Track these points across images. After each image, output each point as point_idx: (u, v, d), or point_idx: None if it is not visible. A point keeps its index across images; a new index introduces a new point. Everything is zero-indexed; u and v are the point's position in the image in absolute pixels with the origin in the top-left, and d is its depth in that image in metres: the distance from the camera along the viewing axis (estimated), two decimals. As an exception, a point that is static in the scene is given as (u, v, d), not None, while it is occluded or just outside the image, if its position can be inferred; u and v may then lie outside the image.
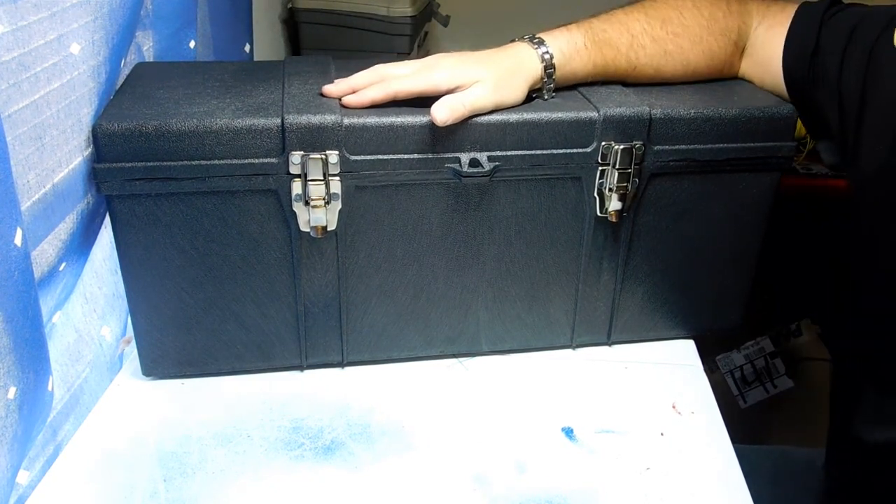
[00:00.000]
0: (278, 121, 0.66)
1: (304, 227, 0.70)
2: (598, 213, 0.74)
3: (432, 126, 0.67)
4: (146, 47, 0.82)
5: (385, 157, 0.68)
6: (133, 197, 0.66)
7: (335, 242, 0.71)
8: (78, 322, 0.73)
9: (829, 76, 0.72)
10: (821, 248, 1.33)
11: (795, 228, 1.42)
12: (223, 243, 0.70)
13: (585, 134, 0.71)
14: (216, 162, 0.66)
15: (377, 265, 0.73)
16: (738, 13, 0.77)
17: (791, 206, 1.10)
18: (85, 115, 0.65)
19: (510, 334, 0.80)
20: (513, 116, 0.69)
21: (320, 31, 1.41)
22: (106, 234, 0.75)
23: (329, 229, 0.70)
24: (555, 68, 0.71)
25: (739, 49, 0.78)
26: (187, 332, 0.73)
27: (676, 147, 0.73)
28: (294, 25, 1.43)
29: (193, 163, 0.65)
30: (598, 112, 0.70)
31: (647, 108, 0.71)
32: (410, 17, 1.38)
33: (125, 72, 0.75)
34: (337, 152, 0.67)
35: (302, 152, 0.66)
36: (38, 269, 0.64)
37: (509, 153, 0.70)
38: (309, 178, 0.67)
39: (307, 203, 0.68)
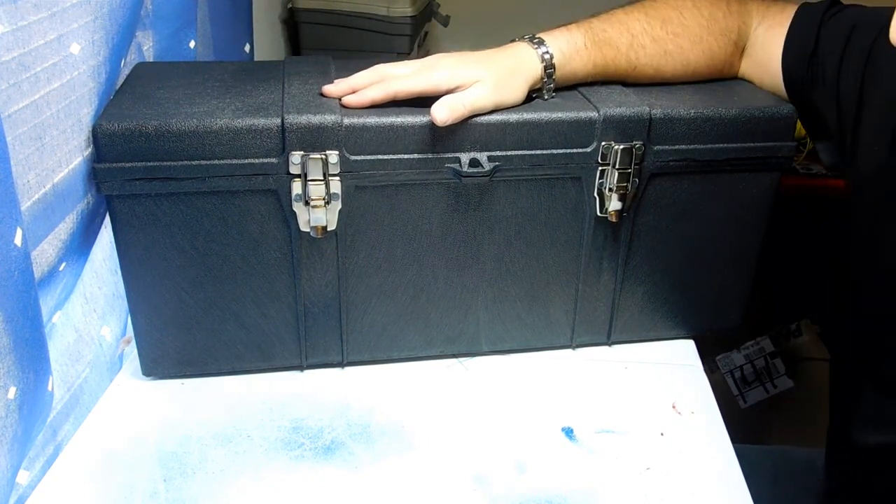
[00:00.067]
0: (278, 121, 0.66)
1: (304, 227, 0.70)
2: (598, 213, 0.74)
3: (432, 126, 0.67)
4: (146, 47, 0.82)
5: (385, 157, 0.68)
6: (133, 197, 0.66)
7: (335, 242, 0.71)
8: (78, 322, 0.73)
9: (827, 77, 0.72)
10: (821, 248, 1.33)
11: (795, 228, 1.42)
12: (223, 243, 0.70)
13: (585, 134, 0.71)
14: (216, 162, 0.66)
15: (377, 265, 0.73)
16: (738, 13, 0.77)
17: (791, 206, 1.11)
18: (85, 115, 0.66)
19: (510, 334, 0.80)
20: (513, 116, 0.69)
21: (320, 31, 1.41)
22: (106, 234, 0.75)
23: (329, 229, 0.70)
24: (555, 68, 0.71)
25: (739, 49, 0.78)
26: (187, 332, 0.73)
27: (676, 147, 0.73)
28: (294, 25, 1.43)
29: (193, 163, 0.65)
30: (598, 112, 0.70)
31: (647, 108, 0.71)
32: (410, 17, 1.38)
33: (125, 72, 0.75)
34: (337, 152, 0.67)
35: (302, 152, 0.66)
36: (38, 269, 0.64)
37: (509, 153, 0.70)
38: (309, 178, 0.67)
39: (307, 203, 0.68)
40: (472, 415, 0.73)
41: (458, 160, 0.69)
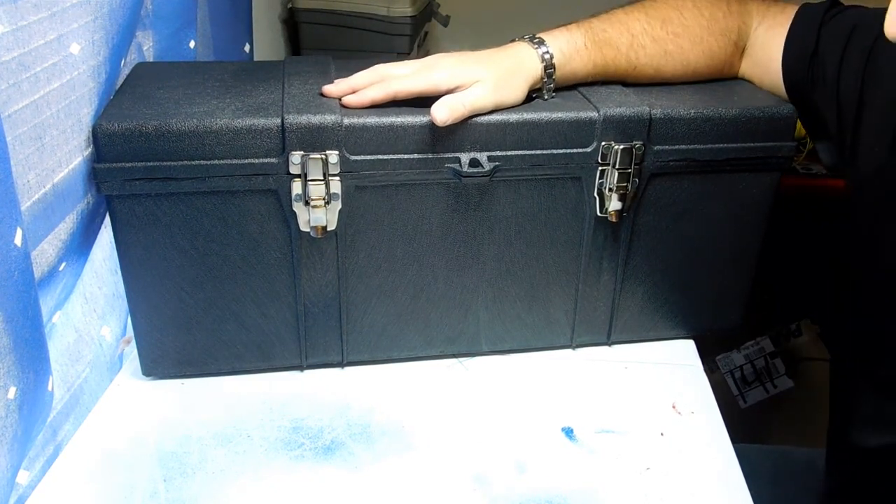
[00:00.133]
0: (278, 121, 0.66)
1: (304, 227, 0.70)
2: (598, 213, 0.74)
3: (432, 126, 0.67)
4: (146, 47, 0.82)
5: (385, 157, 0.68)
6: (133, 197, 0.66)
7: (335, 242, 0.71)
8: (78, 322, 0.73)
9: (827, 77, 0.72)
10: (821, 248, 1.33)
11: (795, 228, 1.42)
12: (223, 243, 0.70)
13: (585, 134, 0.71)
14: (216, 162, 0.66)
15: (377, 265, 0.73)
16: (738, 13, 0.77)
17: (791, 206, 1.11)
18: (85, 115, 0.65)
19: (510, 334, 0.80)
20: (513, 116, 0.69)
21: (320, 31, 1.41)
22: (106, 234, 0.75)
23: (329, 229, 0.70)
24: (555, 68, 0.71)
25: (739, 49, 0.78)
26: (187, 332, 0.73)
27: (676, 147, 0.73)
28: (294, 25, 1.43)
29: (193, 163, 0.65)
30: (598, 112, 0.70)
31: (647, 108, 0.71)
32: (410, 17, 1.38)
33: (125, 72, 0.75)
34: (337, 152, 0.67)
35: (302, 152, 0.66)
36: (38, 269, 0.64)
37: (509, 153, 0.70)
38: (309, 178, 0.67)
39: (307, 203, 0.68)
40: (472, 415, 0.73)
41: (458, 160, 0.69)
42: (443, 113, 0.66)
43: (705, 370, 0.81)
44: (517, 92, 0.70)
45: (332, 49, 1.40)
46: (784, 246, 1.24)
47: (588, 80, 0.75)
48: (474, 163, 0.69)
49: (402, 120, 0.67)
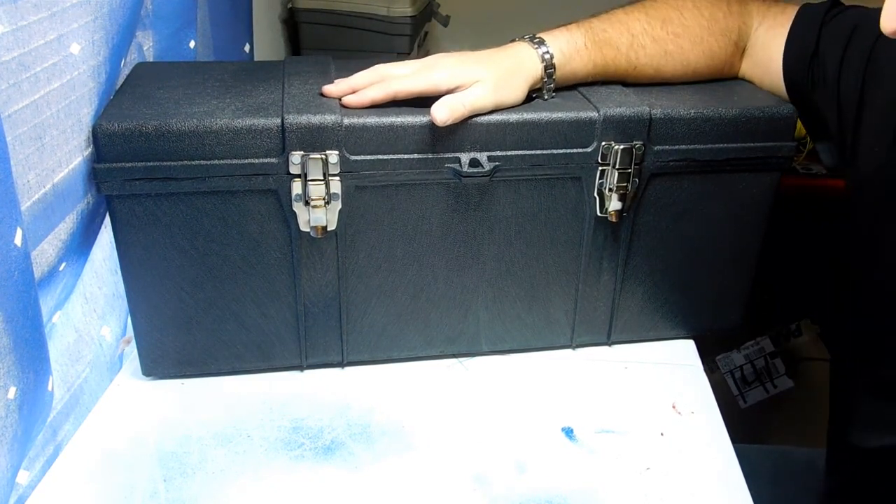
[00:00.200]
0: (278, 121, 0.66)
1: (304, 227, 0.70)
2: (598, 213, 0.74)
3: (432, 126, 0.67)
4: (146, 47, 0.82)
5: (385, 157, 0.68)
6: (133, 197, 0.66)
7: (335, 242, 0.71)
8: (78, 322, 0.73)
9: (828, 77, 0.72)
10: (821, 248, 1.33)
11: (795, 228, 1.42)
12: (223, 243, 0.70)
13: (585, 134, 0.71)
14: (216, 162, 0.66)
15: (377, 265, 0.73)
16: (738, 14, 0.77)
17: (791, 206, 1.10)
18: (85, 115, 0.65)
19: (510, 334, 0.80)
20: (513, 116, 0.69)
21: (320, 31, 1.41)
22: (106, 234, 0.75)
23: (329, 229, 0.70)
24: (555, 68, 0.71)
25: (740, 49, 0.78)
26: (187, 332, 0.73)
27: (676, 147, 0.73)
28: (294, 25, 1.43)
29: (193, 163, 0.65)
30: (598, 112, 0.70)
31: (647, 108, 0.71)
32: (410, 17, 1.38)
33: (125, 72, 0.75)
34: (337, 152, 0.67)
35: (302, 152, 0.66)
36: (38, 269, 0.64)
37: (509, 153, 0.70)
38: (309, 178, 0.67)
39: (307, 203, 0.68)
40: (472, 415, 0.73)
41: (458, 160, 0.69)
42: (443, 113, 0.66)
43: (705, 370, 0.81)
44: (517, 92, 0.70)
45: (332, 49, 1.40)
46: (784, 246, 1.24)
47: (588, 80, 0.75)
48: (474, 163, 0.69)
49: (402, 120, 0.67)
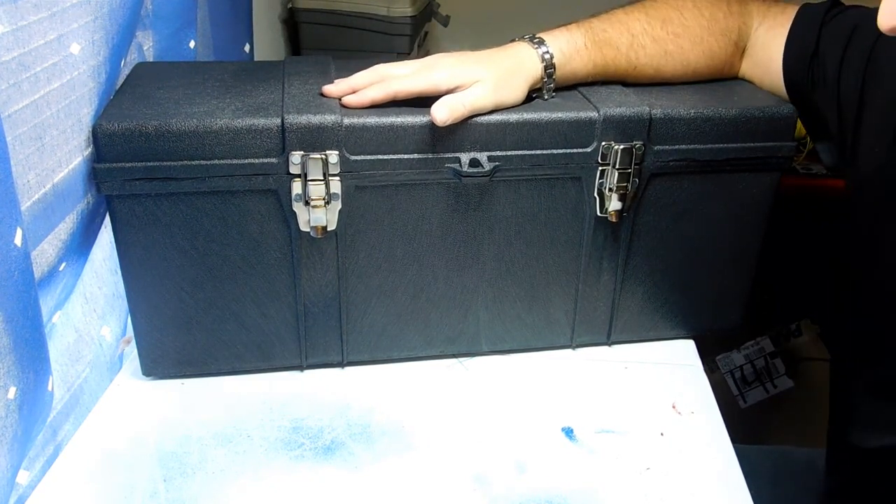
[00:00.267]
0: (278, 121, 0.66)
1: (304, 227, 0.70)
2: (598, 213, 0.74)
3: (432, 126, 0.67)
4: (146, 47, 0.82)
5: (385, 157, 0.68)
6: (133, 197, 0.66)
7: (335, 242, 0.71)
8: (78, 322, 0.73)
9: (828, 77, 0.72)
10: (821, 248, 1.33)
11: (795, 228, 1.42)
12: (223, 243, 0.70)
13: (585, 134, 0.71)
14: (216, 162, 0.66)
15: (377, 265, 0.73)
16: (738, 14, 0.77)
17: (791, 206, 1.10)
18: (85, 115, 0.65)
19: (510, 334, 0.80)
20: (513, 116, 0.69)
21: (320, 31, 1.41)
22: (106, 234, 0.75)
23: (329, 229, 0.70)
24: (555, 68, 0.71)
25: (740, 49, 0.78)
26: (187, 332, 0.73)
27: (676, 147, 0.73)
28: (294, 25, 1.43)
29: (193, 163, 0.65)
30: (598, 112, 0.70)
31: (647, 108, 0.71)
32: (410, 17, 1.38)
33: (125, 72, 0.75)
34: (337, 152, 0.67)
35: (302, 152, 0.66)
36: (38, 269, 0.64)
37: (509, 153, 0.70)
38: (309, 178, 0.67)
39: (307, 203, 0.68)
40: (472, 415, 0.73)
41: (458, 160, 0.69)
42: (443, 113, 0.66)
43: (705, 370, 0.81)
44: (517, 92, 0.70)
45: (332, 49, 1.40)
46: (784, 246, 1.24)
47: (588, 80, 0.75)
48: (474, 163, 0.69)
49: (402, 120, 0.67)
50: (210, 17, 0.96)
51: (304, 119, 0.66)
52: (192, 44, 0.90)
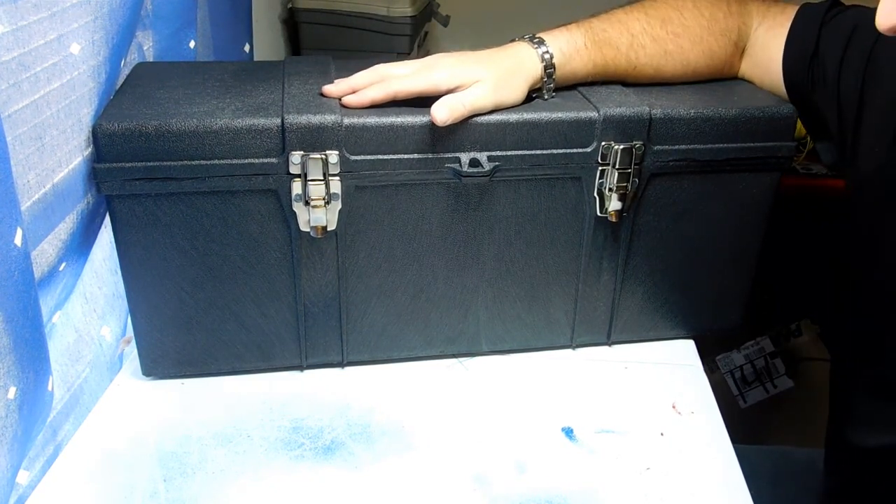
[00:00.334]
0: (278, 121, 0.66)
1: (304, 227, 0.70)
2: (598, 213, 0.74)
3: (432, 126, 0.67)
4: (146, 47, 0.82)
5: (385, 157, 0.68)
6: (133, 197, 0.66)
7: (335, 242, 0.71)
8: (78, 322, 0.73)
9: (828, 77, 0.72)
10: (821, 248, 1.33)
11: (795, 228, 1.42)
12: (223, 243, 0.70)
13: (585, 134, 0.71)
14: (216, 162, 0.66)
15: (377, 265, 0.73)
16: (738, 13, 0.77)
17: (791, 206, 1.10)
18: (85, 115, 0.65)
19: (510, 334, 0.80)
20: (513, 116, 0.69)
21: (320, 31, 1.41)
22: (106, 234, 0.75)
23: (329, 229, 0.70)
24: (555, 68, 0.71)
25: (739, 49, 0.78)
26: (187, 332, 0.73)
27: (676, 147, 0.73)
28: (294, 25, 1.43)
29: (193, 163, 0.65)
30: (598, 112, 0.70)
31: (647, 108, 0.71)
32: (410, 17, 1.38)
33: (125, 72, 0.75)
34: (337, 152, 0.67)
35: (302, 152, 0.66)
36: (38, 269, 0.64)
37: (509, 153, 0.70)
38: (309, 178, 0.67)
39: (307, 203, 0.68)
40: (472, 415, 0.73)
41: (458, 160, 0.69)
42: (443, 113, 0.66)
43: (705, 370, 0.81)
44: (517, 92, 0.70)
45: (332, 49, 1.40)
46: (784, 246, 1.24)
47: (588, 79, 0.75)
48: (474, 163, 0.69)
49: (402, 120, 0.67)
50: (210, 17, 0.96)
51: (304, 119, 0.66)
52: (192, 44, 0.90)
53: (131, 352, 0.77)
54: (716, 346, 1.60)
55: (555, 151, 0.71)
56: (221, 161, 0.66)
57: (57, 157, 0.63)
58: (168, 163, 0.65)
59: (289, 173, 0.67)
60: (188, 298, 0.71)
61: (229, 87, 0.72)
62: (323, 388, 0.76)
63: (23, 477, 0.65)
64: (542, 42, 0.71)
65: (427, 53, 1.48)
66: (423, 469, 0.67)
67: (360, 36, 1.40)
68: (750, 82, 0.80)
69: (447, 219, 0.72)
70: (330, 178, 0.68)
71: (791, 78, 0.75)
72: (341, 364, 0.79)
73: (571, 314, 0.80)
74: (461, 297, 0.77)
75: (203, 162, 0.66)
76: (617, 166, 0.72)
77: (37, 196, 0.61)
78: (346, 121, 0.66)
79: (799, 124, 0.75)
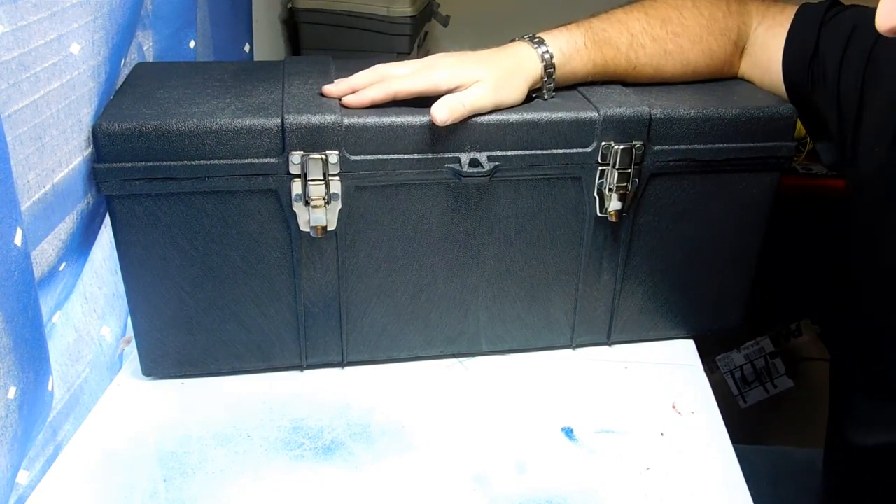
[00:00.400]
0: (278, 121, 0.66)
1: (304, 227, 0.70)
2: (598, 213, 0.74)
3: (432, 126, 0.67)
4: (146, 47, 0.82)
5: (385, 157, 0.68)
6: (133, 197, 0.66)
7: (335, 242, 0.71)
8: (78, 322, 0.73)
9: (828, 77, 0.72)
10: (821, 248, 1.33)
11: (795, 228, 1.42)
12: (223, 243, 0.70)
13: (585, 134, 0.71)
14: (216, 162, 0.66)
15: (377, 265, 0.73)
16: (737, 13, 0.77)
17: (791, 206, 1.11)
18: (85, 115, 0.66)
19: (510, 334, 0.80)
20: (513, 116, 0.69)
21: (320, 31, 1.41)
22: (106, 234, 0.75)
23: (329, 229, 0.70)
24: (555, 68, 0.71)
25: (739, 49, 0.78)
26: (187, 332, 0.73)
27: (676, 147, 0.73)
28: (294, 25, 1.43)
29: (193, 163, 0.65)
30: (598, 112, 0.70)
31: (647, 108, 0.71)
32: (410, 17, 1.38)
33: (125, 72, 0.75)
34: (337, 152, 0.67)
35: (302, 152, 0.66)
36: (38, 269, 0.64)
37: (509, 153, 0.70)
38: (309, 178, 0.67)
39: (307, 203, 0.68)
40: (472, 415, 0.73)
41: (458, 160, 0.69)
42: (443, 113, 0.66)
43: (705, 370, 0.81)
44: (517, 92, 0.70)
45: (332, 49, 1.40)
46: (784, 246, 1.24)
47: (588, 79, 0.75)
48: (474, 163, 0.69)
49: (402, 120, 0.67)
50: (210, 17, 0.96)
51: (304, 119, 0.66)
52: (192, 44, 0.90)
53: (131, 352, 0.77)
54: (716, 346, 1.60)
55: (555, 151, 0.71)
56: (221, 161, 0.66)
57: (57, 157, 0.63)
58: (168, 163, 0.65)
59: (289, 173, 0.67)
60: (188, 298, 0.71)
61: (229, 87, 0.72)
62: (323, 388, 0.76)
63: (23, 477, 0.65)
64: (542, 42, 0.71)
65: (427, 53, 1.48)
66: (423, 469, 0.67)
67: (360, 36, 1.40)
68: (750, 82, 0.80)
69: (447, 219, 0.72)
70: (330, 178, 0.68)
71: (791, 78, 0.75)
72: (341, 364, 0.79)
73: (571, 314, 0.80)
74: (461, 297, 0.77)
75: (203, 162, 0.66)
76: (617, 166, 0.72)
77: (37, 196, 0.61)
78: (346, 121, 0.66)
79: (799, 124, 0.75)
